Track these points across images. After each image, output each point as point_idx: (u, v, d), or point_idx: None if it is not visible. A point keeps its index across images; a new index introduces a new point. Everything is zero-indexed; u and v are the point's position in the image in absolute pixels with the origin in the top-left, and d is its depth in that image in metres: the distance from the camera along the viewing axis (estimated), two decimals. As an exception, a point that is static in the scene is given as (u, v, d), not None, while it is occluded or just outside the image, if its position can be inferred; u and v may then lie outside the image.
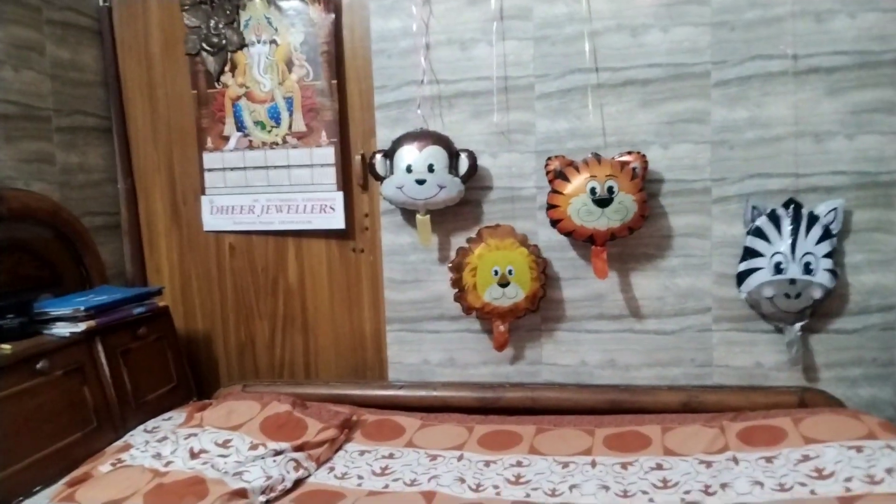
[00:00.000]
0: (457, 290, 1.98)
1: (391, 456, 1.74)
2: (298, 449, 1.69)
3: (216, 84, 2.20)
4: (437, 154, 1.91)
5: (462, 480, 1.59)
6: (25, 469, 1.52)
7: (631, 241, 1.93)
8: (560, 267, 2.01)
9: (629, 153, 1.86)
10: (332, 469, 1.68)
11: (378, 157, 1.99)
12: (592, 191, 1.82)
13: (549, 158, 1.91)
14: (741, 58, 1.85)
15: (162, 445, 1.66)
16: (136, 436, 1.78)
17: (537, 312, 2.01)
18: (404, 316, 2.14)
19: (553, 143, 1.96)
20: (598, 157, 1.86)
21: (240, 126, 2.20)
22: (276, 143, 2.17)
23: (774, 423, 1.67)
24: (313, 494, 1.54)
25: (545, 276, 1.96)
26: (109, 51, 2.26)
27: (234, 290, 2.31)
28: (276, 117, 2.16)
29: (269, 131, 2.17)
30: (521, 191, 2.00)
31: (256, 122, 2.18)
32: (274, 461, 1.61)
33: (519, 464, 1.67)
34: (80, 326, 1.77)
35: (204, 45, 2.19)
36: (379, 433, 1.88)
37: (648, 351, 2.00)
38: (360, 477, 1.64)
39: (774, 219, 1.82)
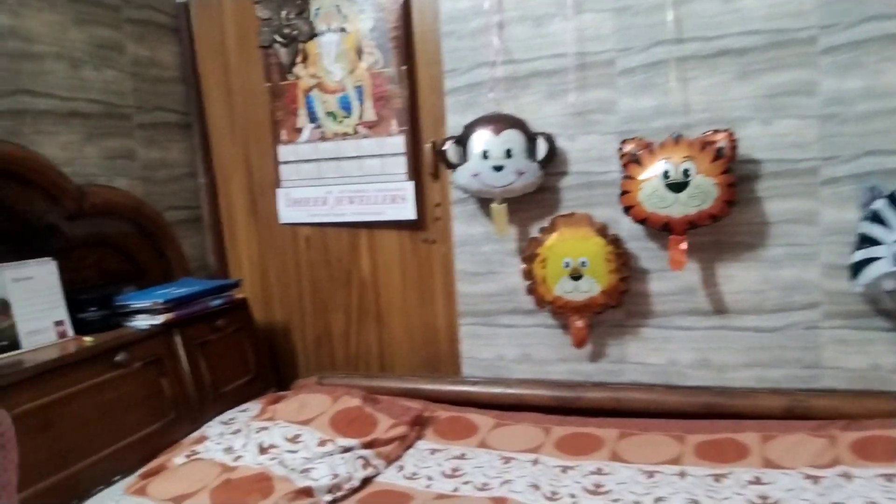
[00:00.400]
0: (529, 282, 1.87)
1: (463, 456, 1.67)
2: (368, 446, 1.65)
3: (288, 76, 2.19)
4: (514, 138, 1.80)
5: (536, 487, 1.49)
6: (105, 459, 1.56)
7: (725, 229, 1.75)
8: (647, 258, 1.85)
9: (715, 132, 1.67)
10: (401, 468, 1.63)
11: (450, 143, 1.91)
12: (665, 174, 1.66)
13: (624, 141, 1.76)
14: (854, 19, 1.61)
15: (234, 438, 1.66)
16: (213, 427, 1.80)
17: (620, 307, 1.86)
18: (477, 309, 2.05)
19: (637, 123, 1.81)
20: (677, 138, 1.69)
21: (312, 117, 2.18)
22: (348, 134, 2.13)
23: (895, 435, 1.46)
24: (380, 495, 1.50)
25: (627, 268, 1.81)
26: (188, 47, 2.30)
27: (311, 281, 2.30)
28: (346, 107, 2.12)
29: (341, 122, 2.14)
30: (601, 176, 1.85)
31: (328, 113, 2.15)
32: (342, 458, 1.57)
33: (599, 471, 1.55)
34: (159, 319, 1.81)
35: (276, 36, 2.18)
36: (451, 431, 1.81)
37: (747, 350, 1.81)
38: (429, 478, 1.57)
39: (895, 202, 1.58)
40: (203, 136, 2.35)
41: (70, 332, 1.70)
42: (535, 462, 1.62)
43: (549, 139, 1.82)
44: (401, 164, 2.07)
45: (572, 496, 1.44)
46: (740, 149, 1.68)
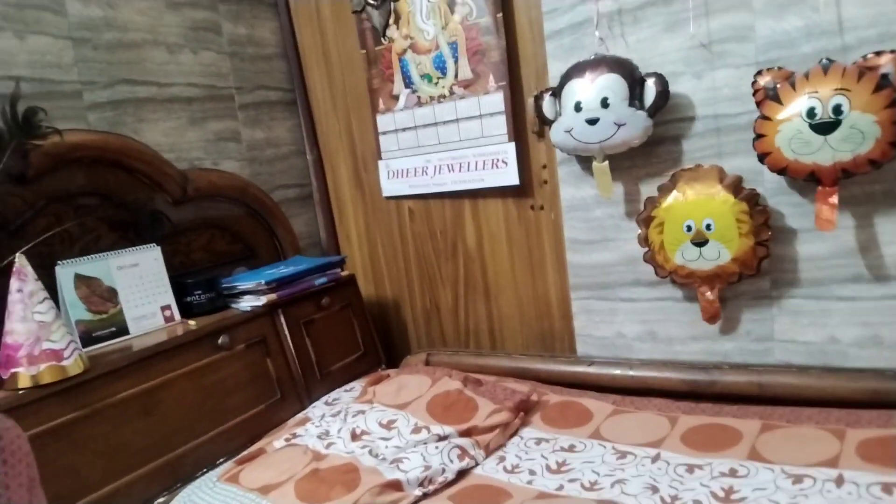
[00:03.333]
0: (646, 250, 1.62)
1: (572, 448, 1.49)
2: (465, 434, 1.52)
3: (383, 39, 2.07)
4: (612, 84, 1.54)
5: (654, 489, 1.28)
6: (211, 440, 1.59)
7: (902, 175, 1.38)
8: (796, 216, 1.52)
9: (878, 54, 1.29)
10: (502, 459, 1.49)
11: (546, 96, 1.69)
12: (810, 112, 1.32)
13: (760, 72, 1.42)
14: None
15: (332, 422, 1.62)
16: (316, 408, 1.78)
17: (763, 276, 1.56)
18: (592, 282, 1.83)
19: (781, 50, 1.46)
20: (826, 65, 1.33)
21: (407, 82, 2.05)
22: (444, 97, 1.98)
23: None
24: (475, 490, 1.37)
25: (767, 229, 1.50)
26: (286, 21, 2.26)
27: (417, 255, 2.21)
28: (441, 67, 1.96)
29: (436, 83, 1.99)
30: (735, 119, 1.53)
31: (423, 76, 2.01)
32: (436, 448, 1.46)
33: (733, 472, 1.30)
34: (262, 300, 1.80)
35: (368, -1, 2.07)
36: (562, 418, 1.64)
37: (933, 325, 1.43)
38: (531, 472, 1.42)
39: None
40: (307, 111, 2.32)
41: (177, 316, 1.74)
42: (657, 458, 1.40)
43: (661, 81, 1.53)
44: (501, 124, 1.88)
45: (696, 503, 1.22)
46: (922, 70, 1.30)
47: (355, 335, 2.08)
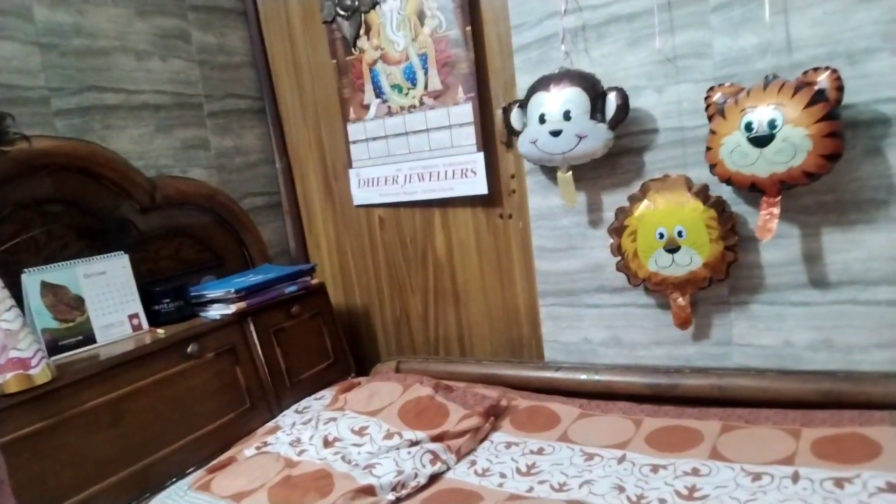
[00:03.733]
0: (619, 258, 1.67)
1: (541, 451, 1.53)
2: (437, 439, 1.54)
3: (353, 50, 2.10)
4: (574, 97, 1.59)
5: (621, 489, 1.32)
6: (180, 449, 1.57)
7: (850, 185, 1.46)
8: (750, 224, 1.59)
9: (815, 70, 1.37)
10: (473, 463, 1.51)
11: (514, 108, 1.73)
12: (748, 126, 1.39)
13: (712, 88, 1.50)
14: None
15: (303, 429, 1.62)
16: (287, 417, 1.78)
17: (721, 282, 1.62)
18: (559, 289, 1.88)
19: (737, 66, 1.54)
20: (768, 81, 1.41)
21: (378, 92, 2.08)
22: (414, 107, 2.01)
23: None
24: (448, 494, 1.39)
25: (735, 234, 1.57)
26: (255, 30, 2.27)
27: (387, 263, 2.23)
28: (412, 78, 2.00)
29: (406, 94, 2.02)
30: (696, 131, 1.60)
31: (393, 86, 2.04)
32: (409, 453, 1.48)
33: (695, 471, 1.35)
34: (231, 308, 1.80)
35: (338, 9, 2.09)
36: (530, 422, 1.67)
37: (879, 328, 1.51)
38: (502, 475, 1.45)
39: None
40: (276, 120, 2.33)
41: (145, 324, 1.73)
42: (622, 459, 1.44)
43: (621, 95, 1.59)
44: (470, 135, 1.92)
45: (661, 501, 1.26)
46: (864, 87, 1.38)
47: (325, 343, 2.08)
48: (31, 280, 1.52)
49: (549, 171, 1.79)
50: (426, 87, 1.97)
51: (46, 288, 1.55)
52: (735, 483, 1.28)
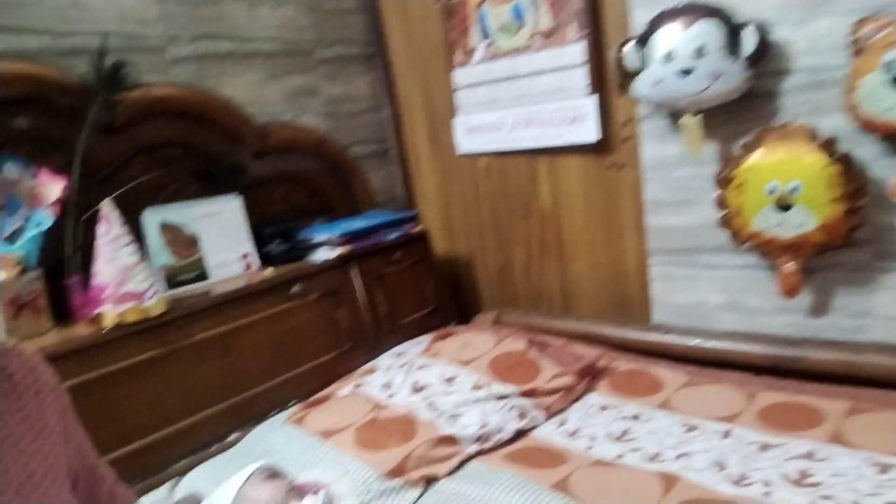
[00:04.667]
0: (723, 213, 1.50)
1: (636, 417, 1.44)
2: (527, 395, 1.50)
3: (461, -11, 2.01)
4: (708, 32, 1.41)
5: (721, 466, 1.22)
6: (283, 384, 1.66)
7: None
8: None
9: None
10: (562, 423, 1.46)
11: (630, 45, 1.58)
12: (888, 66, 1.15)
13: (860, 21, 1.26)
14: None
15: (396, 373, 1.64)
16: (384, 359, 1.81)
17: (860, 247, 1.41)
18: (673, 246, 1.73)
19: (897, -5, 1.29)
20: None
21: (484, 34, 1.98)
22: (522, 49, 1.90)
23: None
24: (531, 451, 1.35)
25: (861, 196, 1.34)
26: (366, -26, 2.24)
27: (491, 213, 2.18)
28: (520, 16, 1.88)
29: (514, 34, 1.91)
30: (836, 72, 1.37)
31: (501, 27, 1.94)
32: (495, 406, 1.46)
33: (810, 455, 1.21)
34: (335, 252, 1.84)
35: (447, -53, 2.01)
36: (629, 386, 1.58)
37: None
38: (592, 438, 1.38)
39: None
40: (386, 67, 2.31)
41: (255, 264, 1.81)
42: (727, 434, 1.33)
43: (761, 29, 1.39)
44: (581, 77, 1.79)
45: (766, 484, 1.14)
46: None
47: (427, 291, 2.09)
48: (152, 219, 1.64)
49: (670, 117, 1.62)
50: (535, 26, 1.85)
51: (165, 227, 1.66)
52: (857, 473, 1.13)
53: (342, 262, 1.86)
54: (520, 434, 1.41)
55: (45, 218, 1.43)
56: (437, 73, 2.16)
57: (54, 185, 1.45)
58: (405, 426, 1.37)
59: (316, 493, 1.08)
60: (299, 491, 1.13)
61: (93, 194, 1.50)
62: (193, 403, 1.49)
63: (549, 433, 1.42)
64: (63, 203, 1.45)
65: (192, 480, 1.37)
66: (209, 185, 1.81)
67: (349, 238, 1.87)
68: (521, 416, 1.45)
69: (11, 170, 1.43)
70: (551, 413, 1.49)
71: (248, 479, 1.13)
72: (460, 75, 2.08)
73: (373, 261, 1.94)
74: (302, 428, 1.44)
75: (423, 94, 2.24)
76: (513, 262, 2.16)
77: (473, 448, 1.35)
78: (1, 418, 0.64)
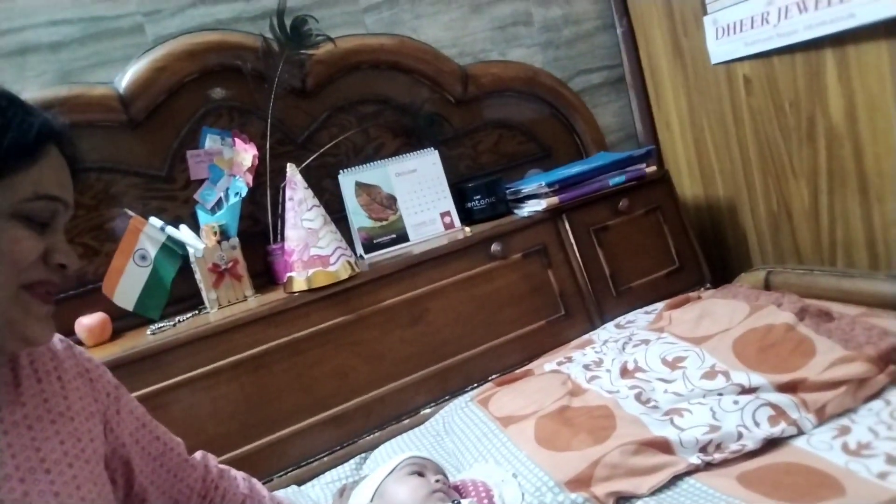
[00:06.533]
0: None
1: (977, 434, 0.90)
2: (788, 389, 1.06)
3: None
4: None
5: None
6: (482, 355, 1.47)
7: None
8: None
9: None
10: (842, 432, 0.98)
11: None
12: None
13: None
14: None
15: (609, 350, 1.33)
16: (604, 330, 1.50)
17: None
18: None
19: None
20: None
21: None
22: None
23: None
24: (786, 471, 0.93)
25: None
26: None
27: (757, 139, 1.66)
28: None
29: None
30: None
31: None
32: (736, 402, 1.05)
33: None
34: (542, 204, 1.57)
35: None
36: (969, 382, 1.02)
37: None
38: (892, 459, 0.90)
39: None
40: (613, -28, 1.91)
41: (457, 222, 1.64)
42: None
43: None
44: (882, -81, 1.20)
45: None
46: None
47: (667, 246, 1.68)
48: (347, 180, 1.57)
49: None
50: None
51: (360, 187, 1.58)
52: None
53: (551, 214, 1.58)
54: (770, 445, 0.99)
55: (242, 186, 1.45)
56: (675, -34, 1.70)
57: (248, 153, 1.46)
58: (600, 420, 1.06)
59: (457, 503, 0.87)
60: (447, 493, 0.93)
61: (293, 159, 1.48)
62: (384, 373, 1.39)
63: (819, 446, 0.97)
64: (256, 170, 1.46)
65: (382, 456, 1.27)
66: (410, 140, 1.69)
67: (560, 187, 1.58)
68: (776, 418, 1.02)
69: (212, 141, 1.48)
70: (825, 417, 1.02)
71: (391, 471, 0.97)
72: (703, -38, 1.60)
73: (592, 211, 1.62)
74: (485, 410, 1.23)
75: (660, -1, 1.80)
76: (791, 202, 1.62)
77: (696, 459, 0.98)
78: (17, 403, 0.63)
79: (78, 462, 0.64)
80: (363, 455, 1.31)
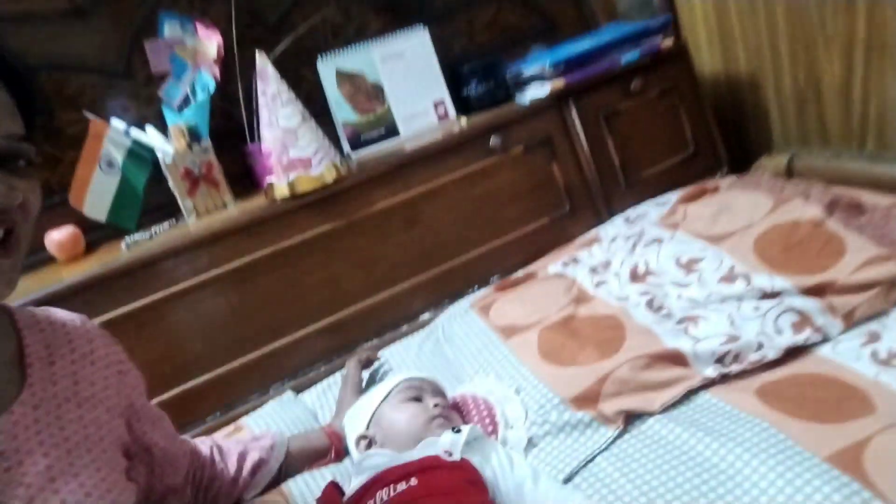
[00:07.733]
0: None
1: None
2: (814, 292, 0.98)
3: None
4: None
5: None
6: (482, 257, 1.38)
7: None
8: None
9: None
10: (872, 338, 0.91)
11: None
12: None
13: None
14: None
15: (617, 249, 1.24)
16: (612, 225, 1.40)
17: None
18: None
19: None
20: None
21: None
22: None
23: None
24: (809, 382, 0.87)
25: None
26: None
27: (786, 5, 1.46)
28: None
29: None
30: None
31: None
32: (757, 308, 0.97)
33: None
34: (545, 88, 1.42)
35: None
36: None
37: None
38: (924, 370, 0.83)
39: None
40: None
41: (452, 112, 1.50)
42: None
43: None
44: None
45: None
46: None
47: (682, 130, 1.55)
48: (326, 68, 1.41)
49: None
50: None
51: (342, 77, 1.42)
52: None
53: (556, 100, 1.43)
54: (794, 353, 0.92)
55: (208, 81, 1.30)
56: None
57: (212, 40, 1.29)
58: (607, 332, 0.99)
59: (458, 430, 0.81)
60: (446, 418, 0.88)
61: (266, 45, 1.32)
62: (378, 280, 1.31)
63: (846, 354, 0.90)
64: (223, 60, 1.30)
65: (381, 362, 1.23)
66: (396, 18, 1.50)
67: (565, 67, 1.42)
68: (801, 324, 0.94)
69: (171, 28, 1.31)
70: (854, 322, 0.95)
71: (387, 395, 0.91)
72: None
73: (601, 94, 1.47)
74: (485, 318, 1.16)
75: None
76: (821, 76, 1.46)
77: (712, 372, 0.92)
78: (48, 381, 0.63)
79: (97, 449, 0.64)
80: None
